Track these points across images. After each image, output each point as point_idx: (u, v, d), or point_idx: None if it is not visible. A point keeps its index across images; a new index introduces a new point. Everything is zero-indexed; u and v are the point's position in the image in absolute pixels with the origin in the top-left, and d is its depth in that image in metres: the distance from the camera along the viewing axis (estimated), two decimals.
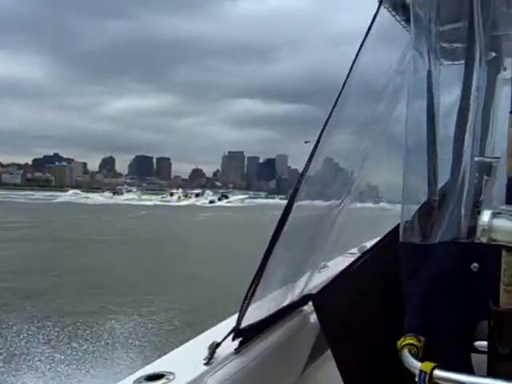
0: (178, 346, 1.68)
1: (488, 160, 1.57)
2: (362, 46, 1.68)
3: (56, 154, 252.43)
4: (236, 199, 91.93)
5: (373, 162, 1.90)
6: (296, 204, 1.61)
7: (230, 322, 1.60)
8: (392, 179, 2.09)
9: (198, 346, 1.59)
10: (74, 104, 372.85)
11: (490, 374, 1.22)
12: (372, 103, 1.84)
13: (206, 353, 1.49)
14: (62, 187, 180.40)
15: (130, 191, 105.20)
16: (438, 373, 1.17)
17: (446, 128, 1.53)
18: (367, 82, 1.85)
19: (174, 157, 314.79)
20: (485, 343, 1.27)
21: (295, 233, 1.76)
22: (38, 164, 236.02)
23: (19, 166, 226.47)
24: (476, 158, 1.50)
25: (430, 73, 1.54)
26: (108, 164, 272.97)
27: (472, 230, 1.35)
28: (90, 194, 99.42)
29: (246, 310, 1.53)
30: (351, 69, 1.66)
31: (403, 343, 1.33)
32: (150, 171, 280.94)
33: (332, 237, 1.97)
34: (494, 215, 1.13)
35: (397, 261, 1.51)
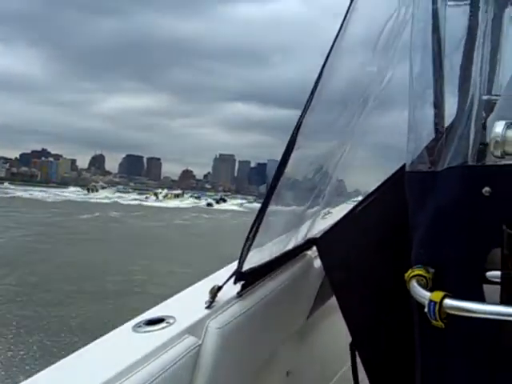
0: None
1: (495, 98, 1.49)
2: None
3: (44, 150, 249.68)
4: (234, 203, 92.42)
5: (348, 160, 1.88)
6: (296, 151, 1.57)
7: (231, 268, 1.56)
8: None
9: (198, 292, 1.56)
10: (68, 100, 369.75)
11: (504, 304, 1.18)
12: (350, 100, 1.83)
13: (207, 297, 1.47)
14: (47, 183, 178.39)
15: (104, 188, 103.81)
16: (448, 302, 1.14)
17: (452, 66, 1.51)
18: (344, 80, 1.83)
19: (165, 157, 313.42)
20: (498, 273, 1.22)
21: (296, 180, 1.76)
22: (25, 159, 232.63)
23: (6, 160, 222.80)
24: (484, 97, 1.43)
25: (436, 9, 1.50)
26: (97, 162, 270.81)
27: (481, 153, 1.32)
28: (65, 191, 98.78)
29: (247, 254, 1.50)
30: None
31: (411, 274, 1.29)
32: (140, 171, 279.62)
33: (335, 184, 1.95)
34: (509, 126, 1.06)
35: (403, 200, 1.48)
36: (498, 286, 1.21)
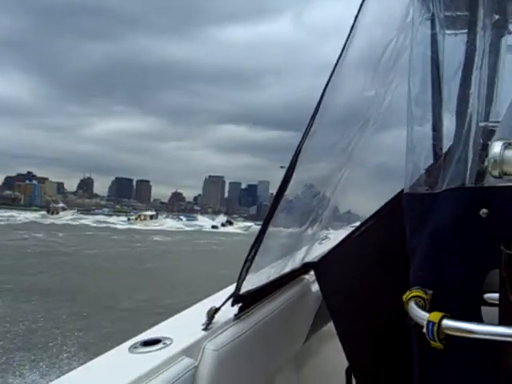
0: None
1: (492, 125, 1.50)
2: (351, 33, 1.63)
3: (30, 173, 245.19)
4: (241, 226, 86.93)
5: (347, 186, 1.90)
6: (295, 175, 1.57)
7: (229, 291, 1.57)
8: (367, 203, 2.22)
9: (196, 313, 1.57)
10: (57, 124, 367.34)
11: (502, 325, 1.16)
12: (351, 124, 1.84)
13: (204, 319, 1.47)
14: (30, 206, 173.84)
15: (65, 209, 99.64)
16: (446, 322, 1.14)
17: (450, 91, 1.52)
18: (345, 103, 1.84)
19: (155, 180, 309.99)
20: (496, 295, 1.20)
21: (295, 203, 1.77)
22: (10, 182, 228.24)
23: None
24: (480, 124, 1.45)
25: (434, 36, 1.53)
26: (86, 185, 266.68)
27: (479, 175, 1.35)
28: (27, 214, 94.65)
29: (245, 276, 1.51)
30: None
31: (409, 296, 1.29)
32: (130, 193, 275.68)
33: (333, 208, 1.96)
34: (506, 146, 1.07)
35: (401, 224, 1.48)
36: (496, 308, 1.20)
